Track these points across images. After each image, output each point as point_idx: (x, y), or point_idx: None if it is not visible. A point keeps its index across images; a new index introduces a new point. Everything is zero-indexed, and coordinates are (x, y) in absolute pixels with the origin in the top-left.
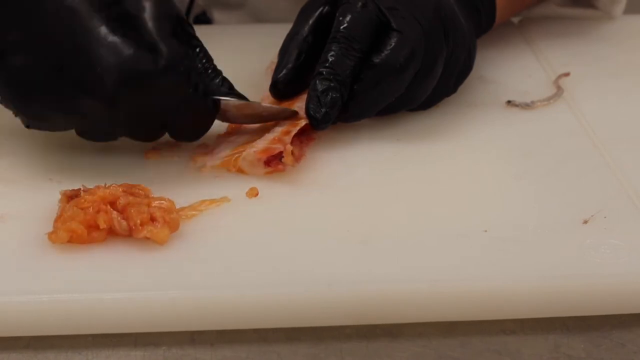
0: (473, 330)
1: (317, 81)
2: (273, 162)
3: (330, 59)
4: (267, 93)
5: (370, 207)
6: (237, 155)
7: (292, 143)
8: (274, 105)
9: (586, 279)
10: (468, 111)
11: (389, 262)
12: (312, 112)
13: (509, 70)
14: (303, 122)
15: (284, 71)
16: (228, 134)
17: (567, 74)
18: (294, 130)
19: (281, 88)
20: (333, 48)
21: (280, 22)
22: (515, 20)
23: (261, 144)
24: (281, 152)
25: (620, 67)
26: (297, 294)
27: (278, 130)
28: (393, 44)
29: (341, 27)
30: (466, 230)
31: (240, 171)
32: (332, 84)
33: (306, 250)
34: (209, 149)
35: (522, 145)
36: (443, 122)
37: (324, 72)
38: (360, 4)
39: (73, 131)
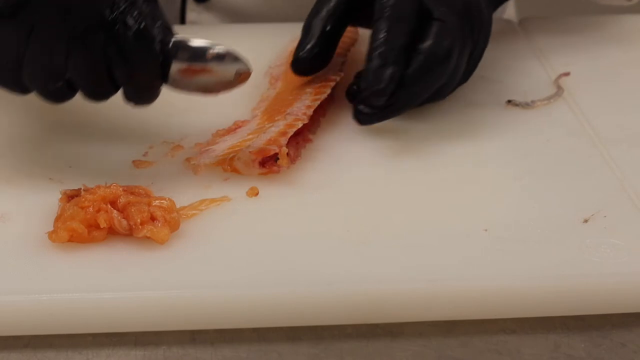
0: (473, 329)
1: (374, 55)
2: (268, 163)
3: (382, 36)
4: (267, 94)
5: (370, 207)
6: (232, 155)
7: (288, 144)
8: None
9: (586, 279)
10: (468, 111)
11: (389, 262)
12: (372, 86)
13: (509, 70)
14: (300, 124)
15: (308, 46)
16: (223, 132)
17: (567, 74)
18: (291, 132)
19: (304, 65)
20: (383, 26)
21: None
22: (516, 20)
23: (257, 144)
24: (276, 154)
25: (620, 66)
26: (297, 294)
27: (274, 131)
28: (436, 32)
29: (387, 7)
30: (466, 230)
31: (235, 171)
32: (389, 59)
33: (306, 250)
34: (203, 147)
35: (522, 145)
36: (443, 122)
37: (380, 49)
38: None
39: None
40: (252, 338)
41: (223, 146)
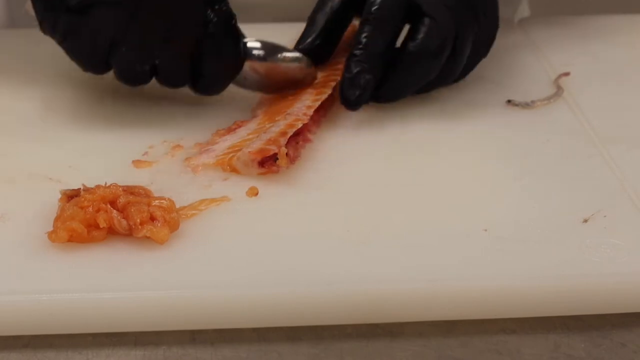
0: (473, 329)
1: (351, 63)
2: (267, 163)
3: (364, 41)
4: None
5: (370, 207)
6: (231, 155)
7: (287, 144)
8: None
9: (586, 279)
10: (468, 111)
11: (389, 262)
12: (346, 94)
13: (509, 70)
14: (300, 124)
15: (309, 39)
16: (223, 132)
17: (567, 74)
18: (290, 132)
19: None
20: (365, 29)
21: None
22: (516, 19)
23: (256, 144)
24: (276, 154)
25: (620, 66)
26: (297, 294)
27: (274, 131)
28: (425, 30)
29: (372, 9)
30: (466, 230)
31: (234, 171)
32: (365, 66)
33: (306, 250)
34: (203, 147)
35: (522, 145)
36: (443, 122)
37: (358, 54)
38: None
39: (73, 130)
40: (252, 338)
41: (223, 146)
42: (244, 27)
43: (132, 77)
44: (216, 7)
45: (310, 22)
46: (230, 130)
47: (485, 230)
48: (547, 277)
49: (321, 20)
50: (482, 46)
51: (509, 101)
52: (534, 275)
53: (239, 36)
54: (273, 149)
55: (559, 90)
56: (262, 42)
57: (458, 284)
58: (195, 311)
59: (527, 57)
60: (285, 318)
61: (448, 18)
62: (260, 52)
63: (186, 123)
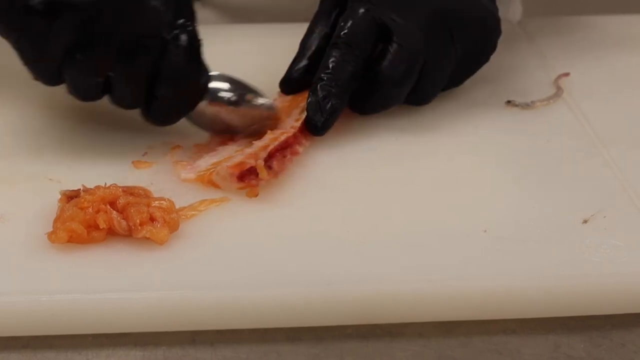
0: (473, 330)
1: (318, 87)
2: (246, 177)
3: (331, 65)
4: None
5: (370, 207)
6: (212, 171)
7: (274, 157)
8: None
9: (586, 279)
10: (468, 111)
11: (389, 262)
12: (312, 119)
13: (509, 70)
14: (284, 137)
15: (297, 67)
16: (208, 144)
17: (567, 74)
18: (272, 145)
19: (291, 86)
20: (334, 54)
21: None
22: (515, 19)
23: (237, 158)
24: (253, 167)
25: (620, 67)
26: (297, 294)
27: (258, 145)
28: (391, 56)
29: (342, 33)
30: (466, 230)
31: (215, 186)
32: (333, 90)
33: (306, 250)
34: (188, 160)
35: (522, 145)
36: (443, 122)
37: (325, 78)
38: (361, 10)
39: (73, 130)
40: (252, 338)
41: (208, 162)
42: (244, 28)
43: (84, 90)
44: (181, 26)
45: (301, 47)
46: (223, 141)
47: (485, 230)
48: (547, 277)
49: (310, 46)
50: (470, 62)
51: (509, 101)
52: (534, 275)
53: (200, 61)
54: (251, 162)
55: (558, 91)
56: (230, 81)
57: (458, 284)
58: (195, 312)
59: (527, 57)
60: (285, 318)
61: (418, 44)
62: (228, 95)
63: (186, 124)
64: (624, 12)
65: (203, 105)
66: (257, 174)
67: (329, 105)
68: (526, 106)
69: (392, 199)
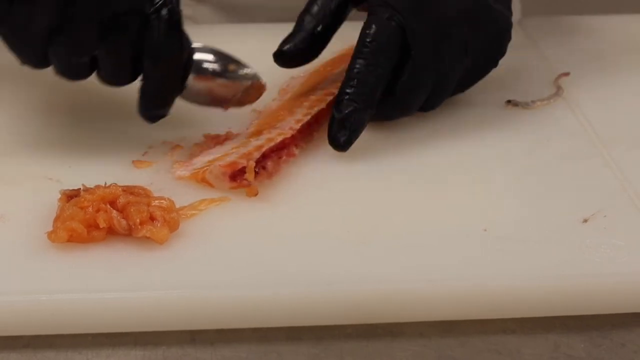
0: (473, 329)
1: (343, 101)
2: (239, 177)
3: (356, 77)
4: (269, 106)
5: (369, 207)
6: (205, 169)
7: (269, 158)
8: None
9: (586, 279)
10: (468, 111)
11: (389, 262)
12: (336, 136)
13: (509, 70)
14: (280, 138)
15: (292, 42)
16: (206, 143)
17: (567, 74)
18: (267, 146)
19: (286, 59)
20: (358, 65)
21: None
22: (515, 19)
23: (231, 157)
24: (244, 168)
25: (620, 67)
26: (297, 294)
27: (253, 145)
28: (410, 70)
29: (367, 40)
30: (466, 230)
31: (209, 184)
32: (357, 106)
33: (306, 250)
34: (184, 162)
35: (522, 145)
36: (443, 122)
37: (349, 92)
38: (387, 15)
39: (73, 130)
40: (252, 338)
41: (203, 160)
42: (244, 27)
43: (70, 70)
44: (161, 1)
45: (298, 23)
46: (219, 140)
47: (485, 230)
48: (547, 277)
49: (307, 22)
50: (480, 68)
51: (509, 101)
52: (534, 275)
53: (182, 34)
54: (243, 162)
55: (559, 90)
56: (212, 52)
57: (458, 284)
58: (195, 311)
59: (527, 57)
60: (285, 318)
61: (435, 56)
62: (212, 66)
63: (185, 124)
64: (624, 12)
65: (190, 79)
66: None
67: (353, 121)
68: (526, 106)
69: (392, 198)
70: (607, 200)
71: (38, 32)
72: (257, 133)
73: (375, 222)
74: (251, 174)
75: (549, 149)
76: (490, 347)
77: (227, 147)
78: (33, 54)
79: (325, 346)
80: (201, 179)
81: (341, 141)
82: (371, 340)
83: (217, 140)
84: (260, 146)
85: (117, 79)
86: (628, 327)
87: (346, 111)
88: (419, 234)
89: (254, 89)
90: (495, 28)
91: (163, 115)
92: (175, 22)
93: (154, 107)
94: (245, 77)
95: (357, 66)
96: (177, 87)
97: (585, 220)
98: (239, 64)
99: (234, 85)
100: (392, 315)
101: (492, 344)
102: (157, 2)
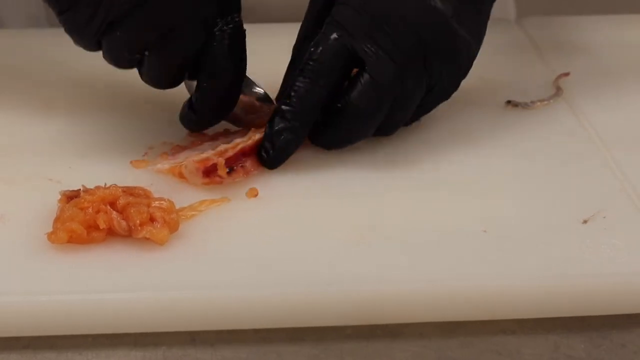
0: (473, 330)
1: (276, 118)
2: (212, 173)
3: (293, 95)
4: None
5: (369, 207)
6: (181, 164)
7: (250, 156)
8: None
9: (586, 279)
10: (468, 111)
11: (389, 262)
12: (262, 152)
13: (509, 70)
14: (257, 136)
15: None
16: (193, 143)
17: (567, 74)
18: (242, 145)
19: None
20: (298, 82)
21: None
22: (515, 19)
23: (206, 154)
24: (216, 164)
25: (620, 67)
26: (297, 294)
27: (235, 142)
28: (361, 87)
29: (310, 60)
30: (466, 230)
31: (185, 179)
32: (290, 124)
33: (306, 250)
34: (171, 152)
35: (522, 145)
36: (442, 122)
37: (285, 110)
38: (334, 36)
39: (72, 131)
40: (252, 339)
41: (185, 156)
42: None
43: (119, 60)
44: (228, 17)
45: (287, 76)
46: (212, 138)
47: (485, 230)
48: (547, 277)
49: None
50: (441, 93)
51: (509, 101)
52: (534, 275)
53: (243, 56)
54: (214, 159)
55: (558, 91)
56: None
57: (458, 284)
58: (195, 312)
59: (527, 56)
60: (285, 319)
61: (391, 76)
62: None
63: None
64: (623, 12)
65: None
66: (229, 171)
67: (282, 140)
68: (526, 106)
69: (392, 199)
70: (607, 200)
71: (98, 25)
72: (244, 133)
73: (375, 222)
74: (223, 171)
75: (549, 149)
76: (491, 348)
77: (211, 145)
78: (89, 41)
79: (325, 347)
80: (178, 174)
81: (266, 159)
82: (371, 340)
83: (208, 137)
84: (236, 145)
85: (159, 82)
86: (628, 327)
87: (277, 128)
88: (419, 234)
89: (265, 109)
90: (456, 53)
91: (206, 128)
92: (240, 39)
93: (201, 123)
94: (259, 97)
95: (298, 84)
96: (230, 106)
97: (585, 221)
98: (253, 84)
99: (261, 108)
100: (392, 315)
101: (492, 345)
102: (227, 17)
